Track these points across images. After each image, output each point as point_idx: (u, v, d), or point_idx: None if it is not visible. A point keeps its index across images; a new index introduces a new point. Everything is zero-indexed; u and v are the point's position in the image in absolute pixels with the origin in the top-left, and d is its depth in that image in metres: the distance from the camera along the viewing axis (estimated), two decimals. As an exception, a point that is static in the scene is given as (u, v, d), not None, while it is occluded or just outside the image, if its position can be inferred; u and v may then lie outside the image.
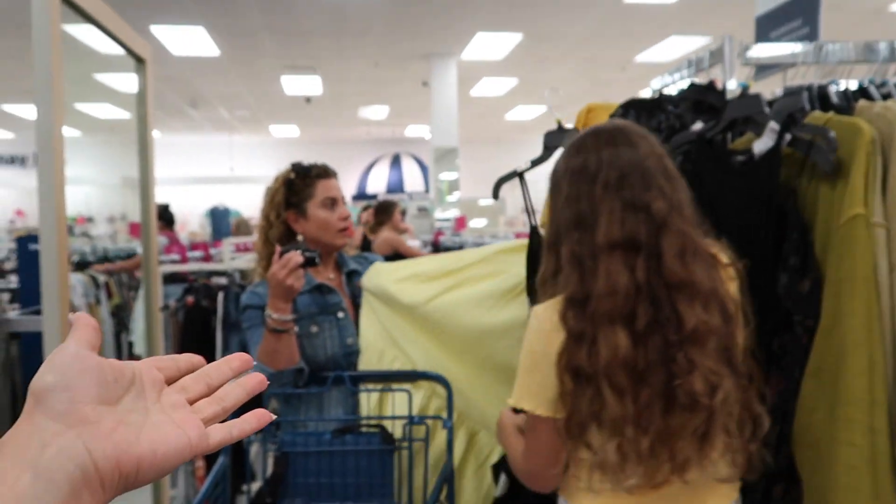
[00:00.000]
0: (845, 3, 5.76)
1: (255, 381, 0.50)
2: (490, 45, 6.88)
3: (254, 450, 1.85)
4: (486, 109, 10.68)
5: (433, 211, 8.59)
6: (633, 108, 1.62)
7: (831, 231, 1.16)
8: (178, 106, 9.91)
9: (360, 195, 13.21)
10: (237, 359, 0.50)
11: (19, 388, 2.80)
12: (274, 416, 0.49)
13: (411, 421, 1.62)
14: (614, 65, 8.05)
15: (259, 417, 0.48)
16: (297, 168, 1.80)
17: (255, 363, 0.51)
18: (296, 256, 1.54)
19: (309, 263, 1.58)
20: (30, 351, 2.80)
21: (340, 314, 1.74)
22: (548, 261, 1.13)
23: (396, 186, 12.81)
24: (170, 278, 3.56)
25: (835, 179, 1.17)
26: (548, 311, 1.09)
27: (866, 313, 1.08)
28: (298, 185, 1.76)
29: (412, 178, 13.01)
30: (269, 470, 1.62)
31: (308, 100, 9.71)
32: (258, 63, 7.73)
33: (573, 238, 1.08)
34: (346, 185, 13.73)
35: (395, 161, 13.13)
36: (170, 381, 0.48)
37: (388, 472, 1.56)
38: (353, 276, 1.82)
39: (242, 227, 7.37)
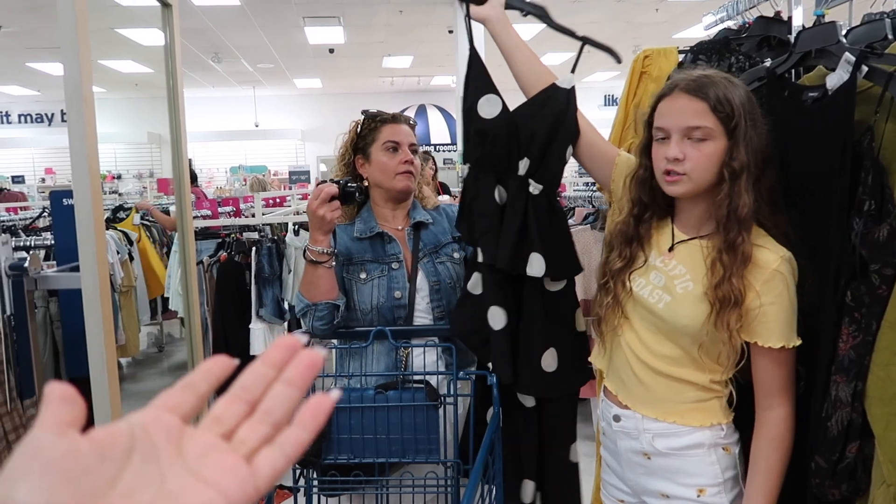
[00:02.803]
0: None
1: (309, 367, 0.36)
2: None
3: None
4: (513, 56, 10.40)
5: (461, 162, 8.48)
6: (703, 52, 1.51)
7: (917, 172, 1.06)
8: (200, 60, 9.82)
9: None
10: (279, 349, 0.37)
11: (60, 346, 2.84)
12: (334, 397, 0.36)
13: (456, 376, 1.58)
14: (647, 5, 7.73)
15: (316, 410, 0.36)
16: (367, 114, 1.81)
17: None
18: (328, 187, 1.57)
19: (348, 198, 1.62)
20: (69, 308, 2.82)
21: (395, 265, 1.71)
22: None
23: (423, 138, 12.67)
24: (201, 234, 3.55)
25: (921, 115, 1.07)
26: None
27: (956, 261, 0.99)
28: (365, 130, 1.78)
29: (438, 130, 12.84)
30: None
31: (331, 50, 9.54)
32: (280, 12, 7.57)
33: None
34: (371, 138, 13.59)
35: (421, 112, 12.94)
36: (196, 416, 0.36)
37: (433, 427, 1.54)
38: (420, 228, 1.77)
39: (255, 186, 7.32)
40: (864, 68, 1.16)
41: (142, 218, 4.44)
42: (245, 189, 8.04)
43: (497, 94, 1.44)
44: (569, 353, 1.52)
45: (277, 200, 5.69)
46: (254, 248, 3.28)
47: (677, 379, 1.27)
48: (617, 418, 1.35)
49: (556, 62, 11.29)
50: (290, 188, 8.87)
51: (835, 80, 1.20)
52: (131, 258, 4.31)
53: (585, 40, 1.45)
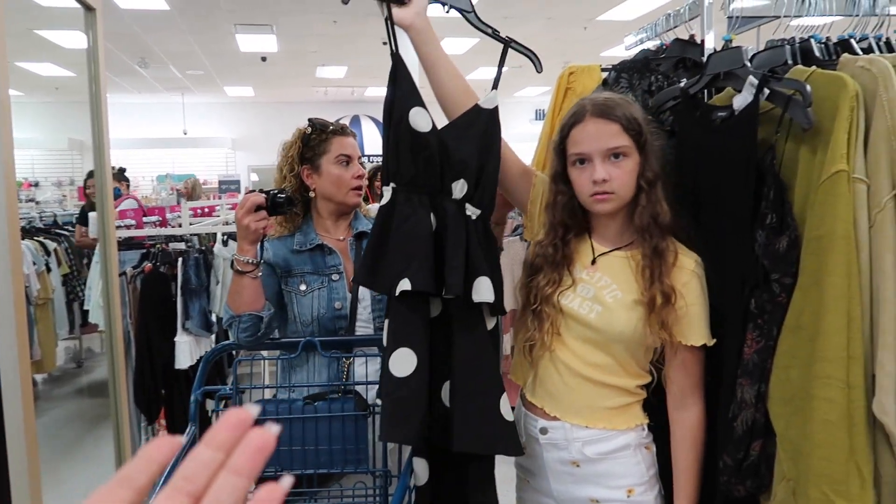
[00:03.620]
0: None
1: (259, 451, 0.33)
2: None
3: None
4: (448, 69, 10.50)
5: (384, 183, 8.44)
6: (625, 70, 1.57)
7: (812, 188, 1.15)
8: (126, 65, 9.48)
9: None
10: (226, 427, 0.33)
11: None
12: (272, 435, 0.34)
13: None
14: (576, 23, 7.96)
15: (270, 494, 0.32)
16: (315, 123, 1.79)
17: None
18: (254, 197, 1.57)
19: (277, 208, 1.60)
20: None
21: (335, 276, 1.72)
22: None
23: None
24: (124, 244, 3.43)
25: (816, 135, 1.16)
26: None
27: (846, 270, 1.08)
28: (314, 140, 1.76)
29: (372, 141, 12.79)
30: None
31: (264, 58, 9.39)
32: (210, 18, 7.40)
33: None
34: (305, 148, 13.40)
35: (355, 122, 12.87)
36: None
37: (362, 437, 1.54)
38: (362, 238, 1.77)
39: (196, 190, 7.14)
40: (766, 91, 1.24)
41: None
42: (172, 198, 7.80)
43: (424, 106, 1.34)
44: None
45: (206, 210, 5.55)
46: (180, 259, 3.19)
47: (607, 385, 1.33)
48: (544, 431, 1.37)
49: (487, 77, 11.48)
50: (220, 198, 8.67)
51: (740, 101, 1.29)
52: (48, 269, 4.11)
53: (509, 43, 1.40)
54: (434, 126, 1.32)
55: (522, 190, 1.44)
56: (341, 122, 1.89)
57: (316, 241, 1.72)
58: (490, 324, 1.34)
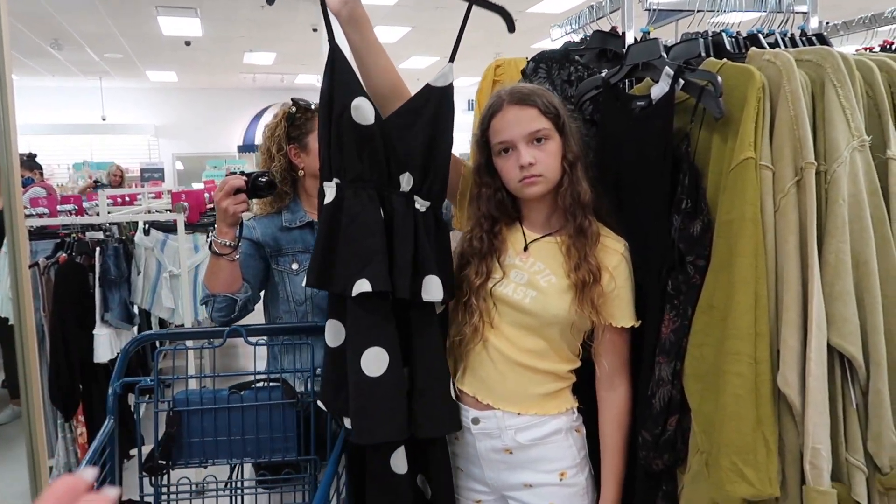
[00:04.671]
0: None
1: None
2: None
3: (144, 411, 1.74)
4: (379, 58, 10.40)
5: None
6: (543, 61, 1.60)
7: (723, 174, 1.20)
8: (37, 46, 8.96)
9: (248, 146, 12.62)
10: (55, 497, 0.31)
11: None
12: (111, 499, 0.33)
13: (314, 373, 1.58)
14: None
15: None
16: (299, 102, 1.78)
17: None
18: (233, 180, 1.56)
19: (258, 191, 1.60)
20: None
21: None
22: None
23: (287, 137, 12.32)
24: (36, 234, 3.25)
25: (726, 124, 1.22)
26: None
27: (753, 252, 1.13)
28: (300, 119, 1.75)
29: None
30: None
31: (188, 43, 9.06)
32: (132, 0, 7.09)
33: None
34: (231, 136, 13.07)
35: (285, 110, 12.61)
36: None
37: (290, 426, 1.52)
38: None
39: (114, 176, 6.85)
40: (682, 81, 1.30)
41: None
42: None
43: (367, 97, 1.28)
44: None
45: (127, 199, 5.32)
46: (98, 249, 3.06)
47: (540, 371, 1.35)
48: (476, 421, 1.37)
49: (420, 66, 11.45)
50: (143, 186, 8.34)
51: (657, 91, 1.34)
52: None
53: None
54: (378, 116, 1.27)
55: (453, 181, 1.43)
56: (270, 109, 1.87)
57: (305, 219, 1.73)
58: (440, 308, 1.37)
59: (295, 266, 1.71)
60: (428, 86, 1.29)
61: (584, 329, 1.37)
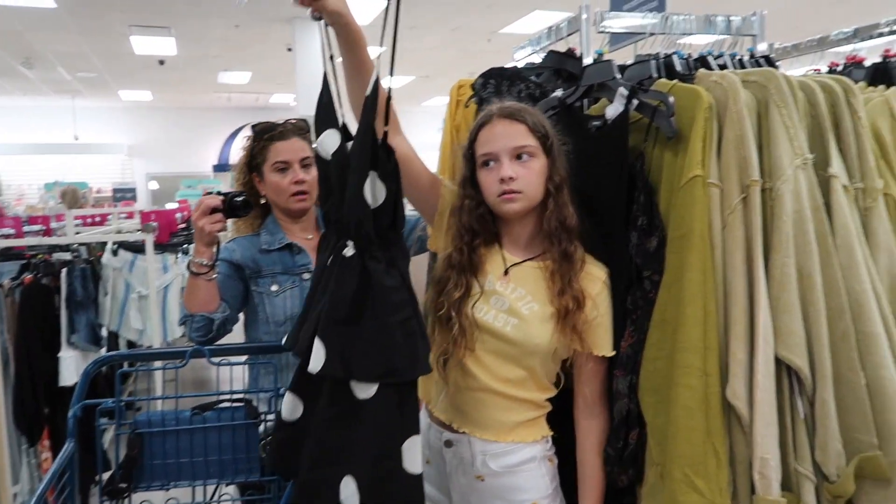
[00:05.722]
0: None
1: None
2: (356, 8, 6.72)
3: (110, 437, 1.73)
4: (355, 77, 10.45)
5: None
6: (493, 77, 1.64)
7: (674, 191, 1.24)
8: (7, 65, 8.88)
9: (222, 166, 12.56)
10: None
11: None
12: None
13: (277, 393, 1.57)
14: (480, 35, 8.14)
15: None
16: (255, 129, 1.78)
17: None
18: (209, 199, 1.57)
19: (235, 211, 1.62)
20: None
21: (305, 276, 1.72)
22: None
23: (262, 156, 12.27)
24: (1, 255, 3.21)
25: (677, 142, 1.25)
26: None
27: (702, 267, 1.17)
28: (256, 148, 1.76)
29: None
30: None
31: (162, 62, 9.04)
32: (102, 18, 7.05)
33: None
34: (206, 155, 12.99)
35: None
36: None
37: (252, 446, 1.51)
38: None
39: (69, 197, 6.75)
40: (636, 101, 1.33)
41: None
42: (61, 207, 7.35)
43: (337, 126, 1.14)
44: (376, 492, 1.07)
45: (98, 219, 5.27)
46: (64, 270, 3.02)
47: (518, 399, 1.32)
48: (449, 444, 1.35)
49: (394, 85, 11.51)
50: (115, 206, 8.25)
51: (612, 111, 1.37)
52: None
53: None
54: (341, 146, 1.13)
55: (431, 201, 1.40)
56: (245, 129, 1.88)
57: (285, 241, 1.74)
58: (362, 391, 1.06)
59: (275, 287, 1.71)
60: (365, 97, 1.09)
61: (563, 358, 1.34)
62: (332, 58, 1.15)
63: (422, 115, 13.04)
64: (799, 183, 1.18)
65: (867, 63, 1.59)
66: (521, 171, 1.29)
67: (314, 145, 1.20)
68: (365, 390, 1.05)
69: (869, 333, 1.14)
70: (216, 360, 1.57)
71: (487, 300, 1.32)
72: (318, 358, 1.05)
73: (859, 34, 1.74)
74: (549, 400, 1.38)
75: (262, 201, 1.80)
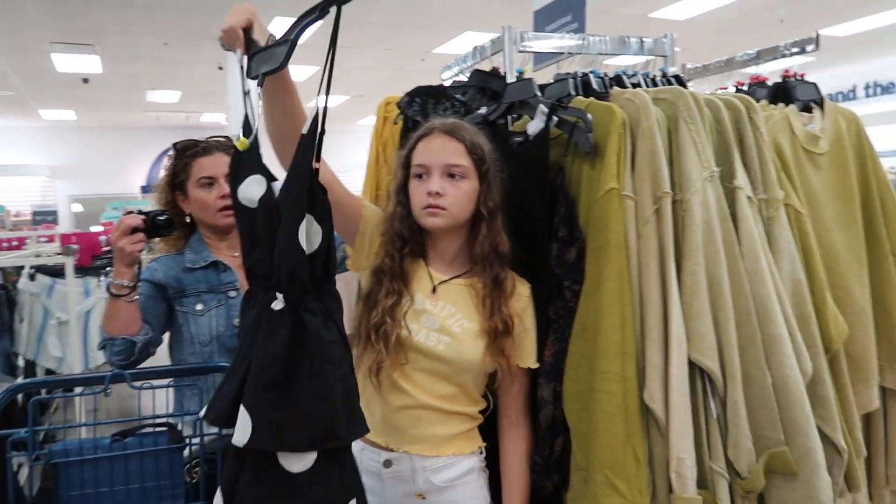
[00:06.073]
0: (612, 8, 6.42)
1: None
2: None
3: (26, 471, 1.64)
4: (289, 97, 10.36)
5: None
6: (419, 95, 1.66)
7: (592, 204, 1.29)
8: (-85, 82, 8.42)
9: (151, 187, 12.19)
10: None
11: None
12: None
13: (201, 417, 1.53)
14: (414, 55, 8.23)
15: None
16: (177, 146, 1.75)
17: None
18: (129, 219, 1.53)
19: (158, 230, 1.59)
20: None
21: (232, 293, 1.69)
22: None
23: (194, 176, 11.99)
24: None
25: (594, 157, 1.30)
26: None
27: (619, 276, 1.21)
28: (178, 165, 1.73)
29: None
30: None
31: (86, 80, 8.73)
32: (20, 34, 6.78)
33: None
34: (134, 176, 12.61)
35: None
36: None
37: (176, 472, 1.47)
38: None
39: None
40: (555, 118, 1.38)
41: None
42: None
43: (262, 171, 1.01)
44: None
45: (15, 243, 5.02)
46: (-24, 296, 2.87)
47: (453, 413, 1.33)
48: (388, 463, 1.34)
49: (329, 105, 11.47)
50: (35, 229, 7.88)
51: (533, 127, 1.42)
52: None
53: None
54: (268, 191, 1.00)
55: (352, 222, 1.34)
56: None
57: (210, 259, 1.71)
58: (294, 463, 0.93)
59: (199, 307, 1.68)
60: (301, 136, 0.97)
61: (491, 371, 1.35)
62: (247, 93, 1.04)
63: (356, 134, 13.00)
64: (707, 195, 1.25)
65: (769, 82, 1.69)
66: (449, 189, 1.30)
67: (239, 194, 1.01)
68: (299, 462, 0.93)
69: (774, 335, 1.21)
70: (137, 384, 1.52)
71: (417, 319, 1.31)
72: (243, 429, 0.92)
73: (762, 56, 1.86)
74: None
75: (188, 219, 1.77)
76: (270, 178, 1.01)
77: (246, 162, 1.02)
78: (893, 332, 1.52)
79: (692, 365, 1.18)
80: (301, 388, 0.92)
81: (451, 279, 1.35)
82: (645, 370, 1.19)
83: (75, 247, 3.01)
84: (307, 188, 0.94)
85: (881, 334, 1.50)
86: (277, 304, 0.95)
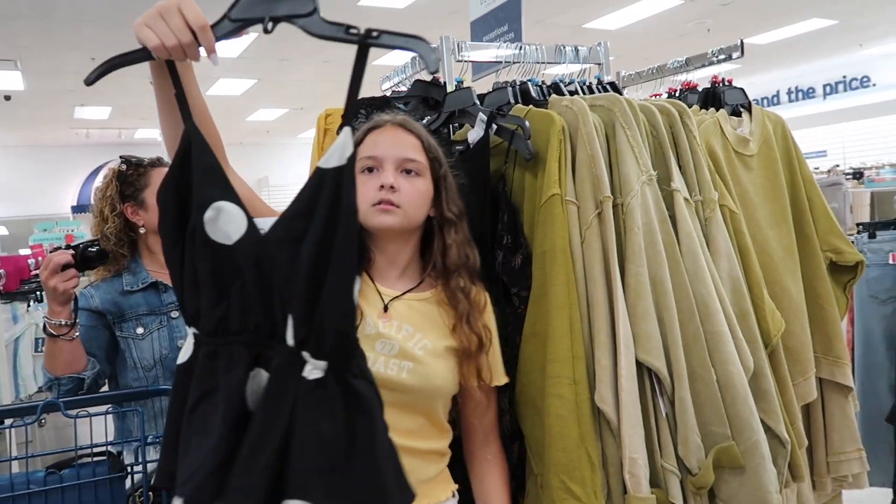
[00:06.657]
0: (547, 18, 6.55)
1: None
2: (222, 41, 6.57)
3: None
4: (225, 111, 10.17)
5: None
6: (363, 106, 1.65)
7: (535, 210, 1.30)
8: None
9: (83, 206, 11.73)
10: None
11: None
12: None
13: (144, 442, 1.47)
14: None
15: None
16: (129, 159, 1.73)
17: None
18: (57, 257, 1.47)
19: (89, 263, 1.54)
20: None
21: (174, 314, 1.65)
22: None
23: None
24: None
25: (536, 164, 1.32)
26: None
27: (565, 280, 1.23)
28: (132, 176, 1.69)
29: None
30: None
31: (7, 97, 8.36)
32: (-66, 52, 6.46)
33: None
34: (64, 196, 12.13)
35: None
36: None
37: (119, 502, 1.40)
38: None
39: None
40: (495, 126, 1.39)
41: None
42: None
43: (234, 198, 0.85)
44: None
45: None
46: None
47: (423, 452, 1.16)
48: None
49: (268, 118, 11.31)
50: (-44, 256, 7.47)
51: (474, 135, 1.42)
52: None
53: (369, 38, 0.85)
54: (250, 227, 0.84)
55: None
56: (109, 164, 1.82)
57: (149, 280, 1.66)
58: None
59: (140, 330, 1.64)
60: (318, 170, 0.83)
61: (455, 393, 1.20)
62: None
63: (298, 147, 12.86)
64: (646, 197, 1.28)
65: (700, 88, 1.75)
66: (404, 185, 1.14)
67: (207, 225, 0.84)
68: None
69: (716, 332, 1.24)
70: (73, 412, 1.45)
71: (372, 346, 1.10)
72: None
73: (691, 63, 1.92)
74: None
75: (141, 230, 1.70)
76: (246, 212, 0.85)
77: (205, 181, 0.84)
78: (827, 324, 1.58)
79: (640, 365, 1.20)
80: (358, 464, 0.80)
81: (403, 294, 1.18)
82: (595, 372, 1.20)
83: (1, 271, 2.87)
84: (356, 231, 0.81)
85: (815, 327, 1.56)
86: (315, 373, 0.80)
